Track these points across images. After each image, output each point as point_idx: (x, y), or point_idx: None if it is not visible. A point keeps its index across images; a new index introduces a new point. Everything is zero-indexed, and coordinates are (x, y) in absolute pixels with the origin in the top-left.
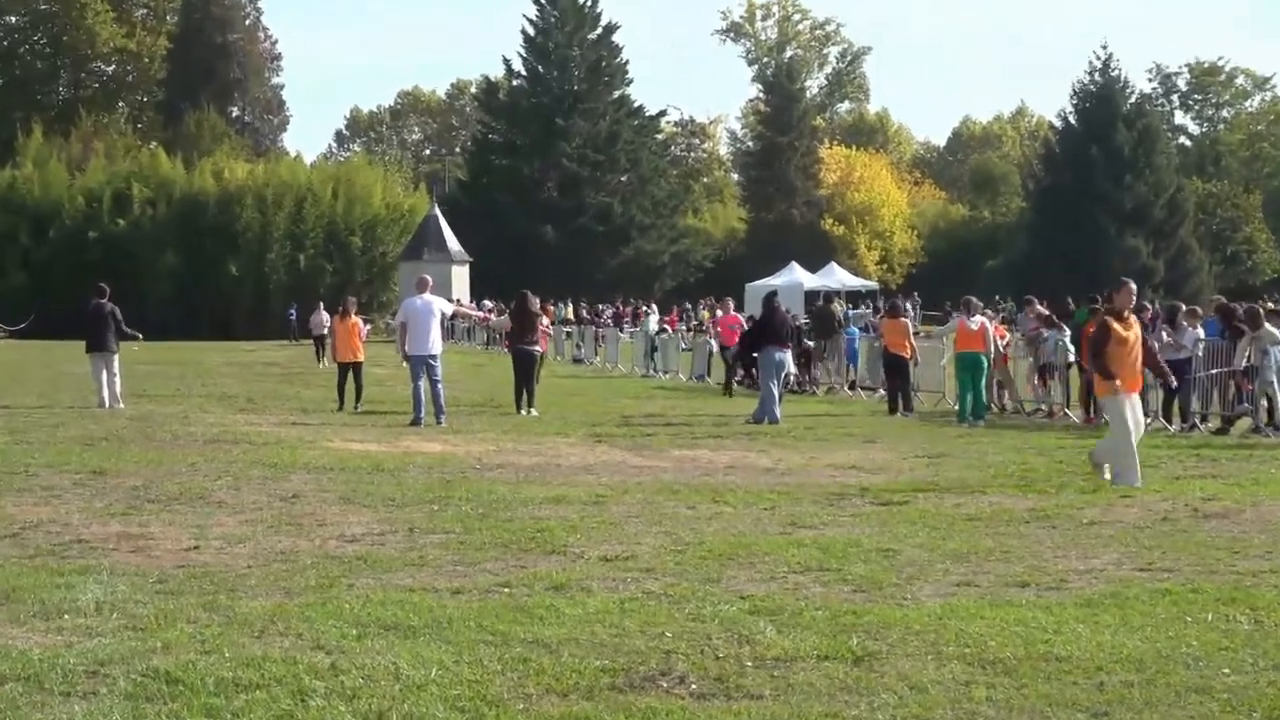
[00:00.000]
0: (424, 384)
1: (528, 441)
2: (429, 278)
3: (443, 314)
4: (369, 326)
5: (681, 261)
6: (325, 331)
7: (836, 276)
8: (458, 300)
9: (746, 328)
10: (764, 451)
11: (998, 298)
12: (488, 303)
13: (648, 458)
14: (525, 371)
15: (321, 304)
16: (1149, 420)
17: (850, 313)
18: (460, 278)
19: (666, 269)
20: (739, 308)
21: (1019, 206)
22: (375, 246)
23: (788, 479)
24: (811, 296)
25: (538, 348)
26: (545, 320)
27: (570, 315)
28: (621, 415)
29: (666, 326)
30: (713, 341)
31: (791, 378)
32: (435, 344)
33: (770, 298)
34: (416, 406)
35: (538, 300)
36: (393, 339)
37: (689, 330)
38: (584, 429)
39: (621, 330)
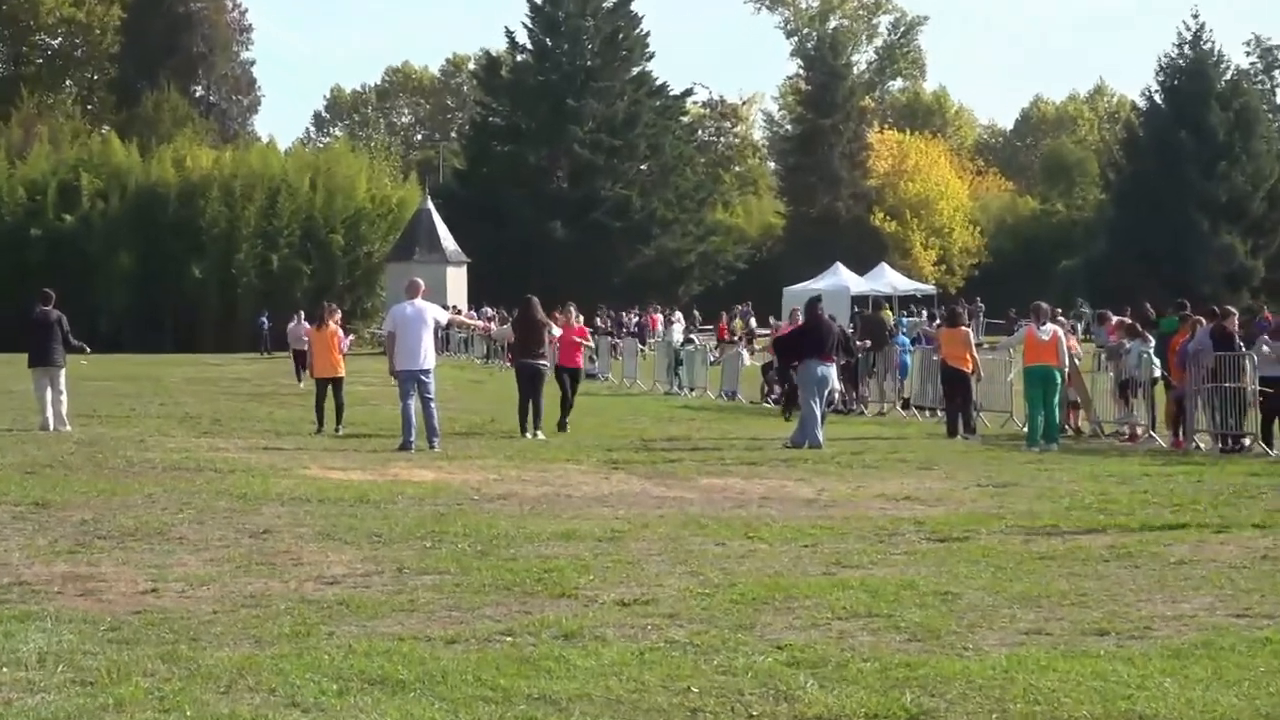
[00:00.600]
0: (414, 403)
1: (534, 469)
2: (421, 281)
3: (436, 323)
4: (351, 337)
5: (710, 262)
6: (306, 345)
7: (887, 279)
8: (454, 307)
9: (783, 335)
10: (804, 480)
11: (1080, 303)
12: (488, 310)
13: (671, 487)
14: (530, 388)
15: (302, 313)
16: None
17: (903, 321)
18: (456, 281)
19: (693, 271)
20: (776, 314)
21: (1097, 199)
22: (359, 245)
23: (832, 511)
24: (859, 302)
25: (544, 362)
26: (556, 330)
27: (580, 322)
28: (641, 438)
29: (693, 338)
30: (744, 354)
31: (836, 396)
32: (428, 357)
33: (813, 304)
34: (406, 429)
35: (576, 308)
36: (378, 351)
37: (738, 340)
38: (598, 454)
39: (643, 342)
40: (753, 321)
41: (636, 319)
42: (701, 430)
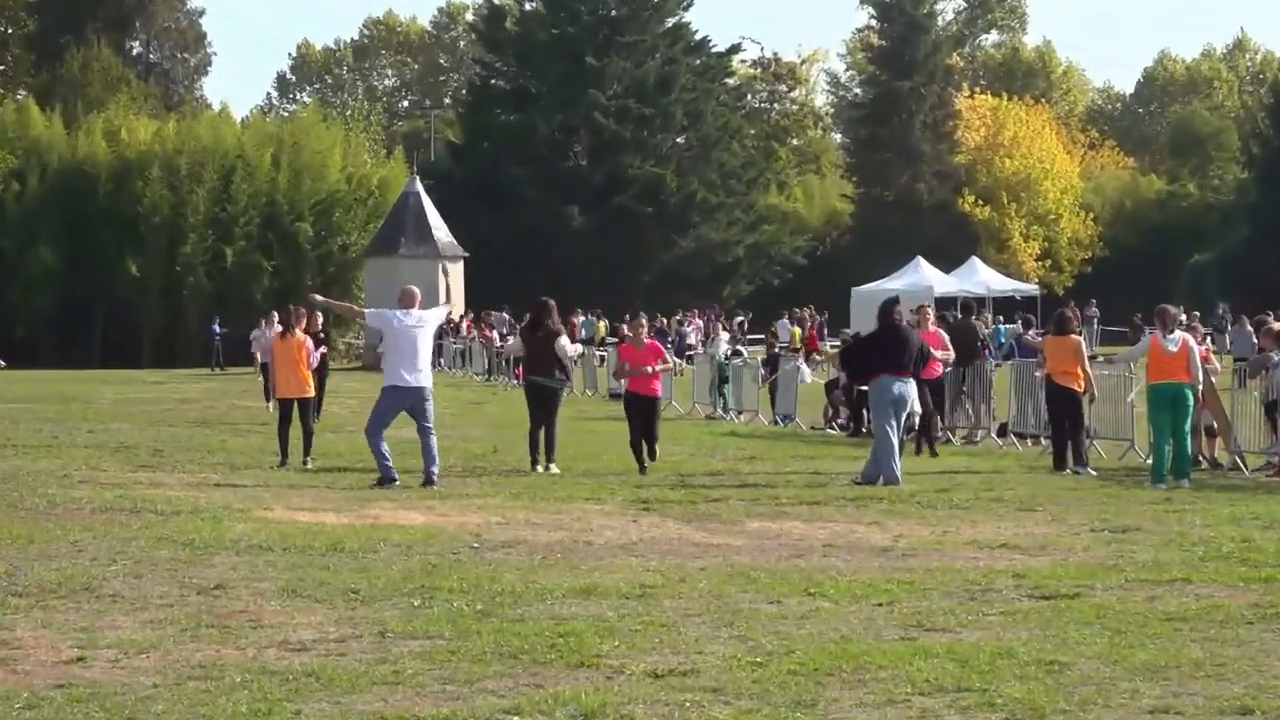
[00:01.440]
0: (386, 436)
1: (546, 510)
2: (417, 291)
3: (439, 333)
4: (323, 350)
5: (762, 256)
6: None
7: (979, 277)
8: (447, 289)
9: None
10: (878, 524)
11: (1222, 309)
12: (505, 315)
13: (714, 533)
14: (542, 412)
15: (276, 315)
16: None
17: (1000, 329)
18: (451, 279)
19: (741, 267)
20: (844, 320)
21: (1236, 178)
22: (332, 236)
23: (911, 562)
24: (945, 306)
25: (559, 379)
26: (570, 348)
27: (601, 332)
28: (677, 473)
29: (740, 350)
30: (805, 368)
31: (916, 419)
32: (424, 372)
33: (889, 307)
34: (382, 459)
35: (645, 318)
36: (354, 366)
37: (789, 351)
38: (625, 492)
39: (680, 353)
40: (811, 326)
41: (687, 324)
42: (751, 463)
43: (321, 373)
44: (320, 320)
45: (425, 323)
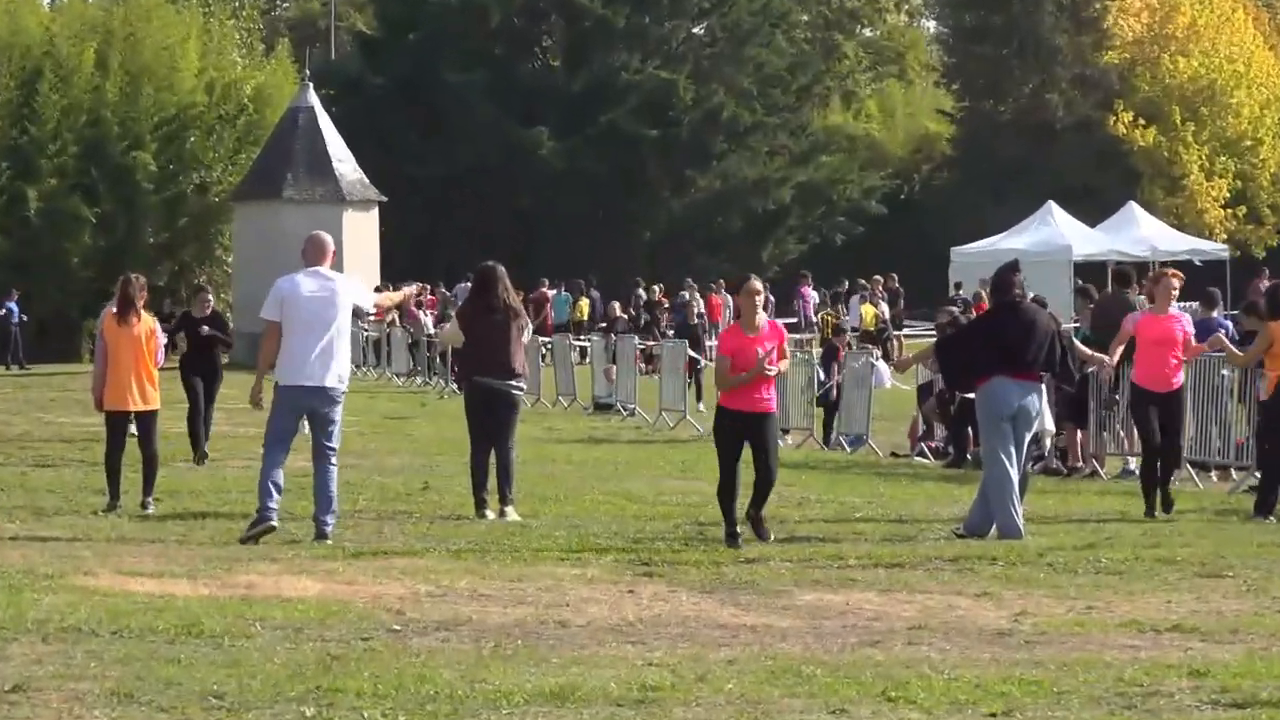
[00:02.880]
0: (283, 459)
1: (501, 574)
2: (328, 240)
3: (358, 311)
4: (205, 330)
5: (818, 200)
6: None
7: (1140, 233)
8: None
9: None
10: (989, 595)
11: None
12: (410, 288)
13: (747, 608)
14: (495, 428)
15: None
16: None
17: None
18: (360, 234)
19: (787, 217)
20: (939, 290)
21: None
22: (185, 171)
23: (1040, 653)
24: (1089, 272)
25: (516, 381)
26: (523, 331)
27: (583, 312)
28: (693, 520)
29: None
30: (882, 368)
31: (1047, 443)
32: (336, 369)
33: (1006, 277)
34: (264, 492)
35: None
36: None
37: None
38: (616, 549)
39: (697, 346)
40: (886, 308)
41: (705, 300)
42: (803, 506)
43: (205, 370)
44: (209, 300)
45: (338, 295)
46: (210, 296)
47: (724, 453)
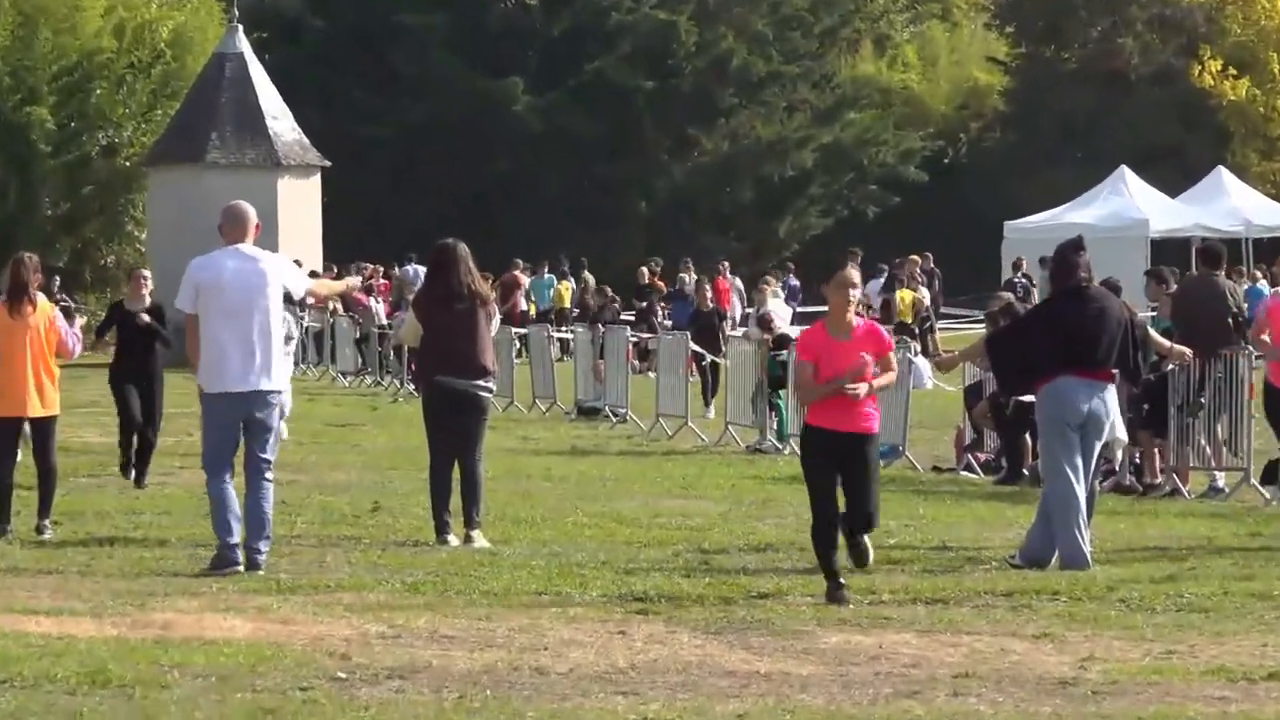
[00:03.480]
0: (230, 477)
1: (467, 612)
2: (250, 211)
3: (289, 298)
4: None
5: (845, 165)
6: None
7: (1230, 203)
8: (296, 262)
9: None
10: (1050, 637)
11: None
12: (353, 279)
13: (761, 652)
14: (457, 437)
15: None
16: None
17: (1259, 289)
18: (299, 205)
19: (809, 184)
20: (992, 274)
21: None
22: (90, 130)
23: (1110, 705)
24: (1168, 251)
25: (482, 382)
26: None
27: (564, 298)
28: (696, 547)
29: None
30: (922, 365)
31: (1119, 455)
32: (270, 368)
33: (1069, 257)
34: (222, 524)
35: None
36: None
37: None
38: (603, 581)
39: (704, 339)
40: (924, 294)
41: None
42: None
43: (141, 376)
44: (146, 285)
45: (267, 278)
46: (149, 281)
47: (815, 482)
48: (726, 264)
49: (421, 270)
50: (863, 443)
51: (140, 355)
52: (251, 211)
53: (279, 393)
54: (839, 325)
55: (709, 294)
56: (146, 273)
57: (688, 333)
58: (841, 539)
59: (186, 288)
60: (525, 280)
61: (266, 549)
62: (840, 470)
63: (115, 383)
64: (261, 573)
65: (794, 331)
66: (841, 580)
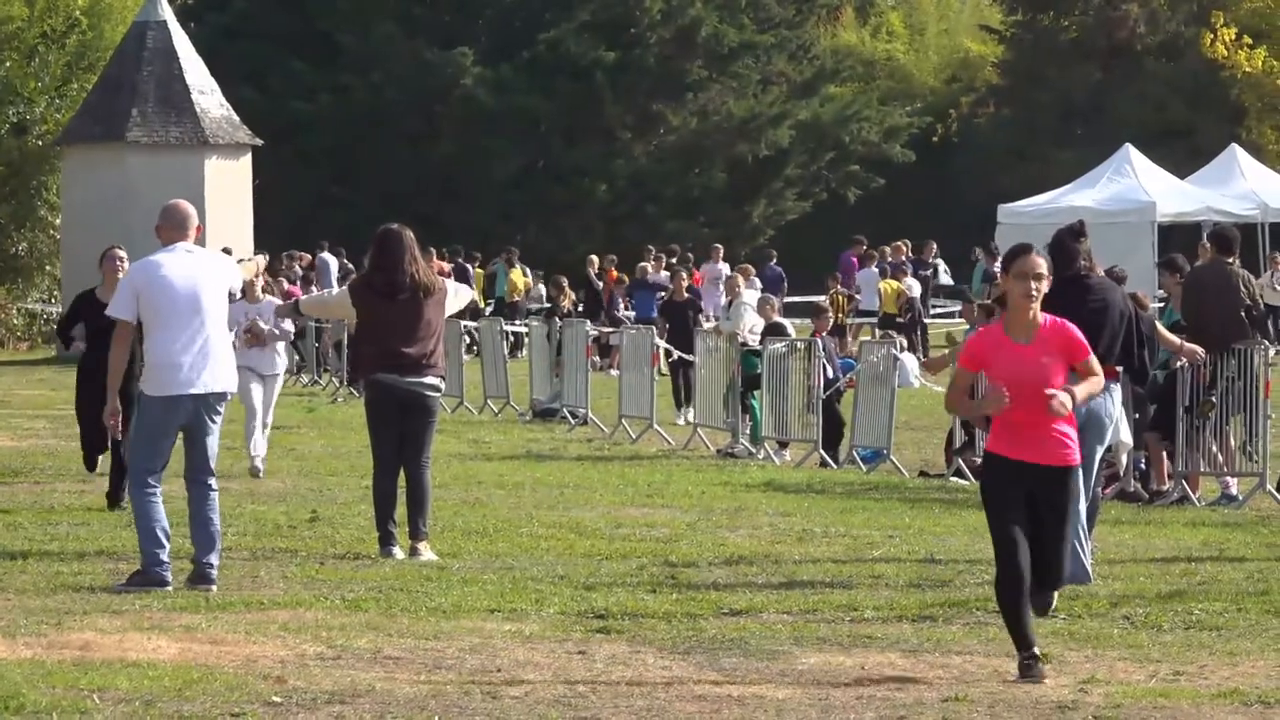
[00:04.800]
0: (155, 491)
1: (414, 630)
2: (190, 210)
3: (231, 297)
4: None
5: (825, 143)
6: None
7: (1244, 185)
8: (225, 250)
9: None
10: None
11: None
12: (257, 256)
13: (731, 673)
14: (405, 438)
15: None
16: None
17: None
18: (228, 186)
19: (786, 164)
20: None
21: None
22: (1, 106)
23: None
24: (1179, 238)
25: (431, 379)
26: (458, 295)
27: (517, 288)
28: (662, 559)
29: (782, 324)
30: (908, 361)
31: (1124, 460)
32: (220, 370)
33: (1068, 243)
34: (149, 536)
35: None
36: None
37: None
38: (562, 597)
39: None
40: (913, 286)
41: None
42: (805, 542)
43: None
44: (123, 269)
45: (209, 278)
46: (126, 264)
47: (999, 523)
48: (690, 256)
49: (333, 261)
50: (1062, 477)
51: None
52: (193, 211)
53: (226, 397)
54: (1019, 325)
55: (685, 282)
56: (122, 253)
57: (653, 328)
58: None
59: (124, 294)
60: (470, 270)
61: (218, 562)
62: (1028, 511)
63: (85, 392)
64: (214, 589)
65: (780, 321)
66: (1036, 652)
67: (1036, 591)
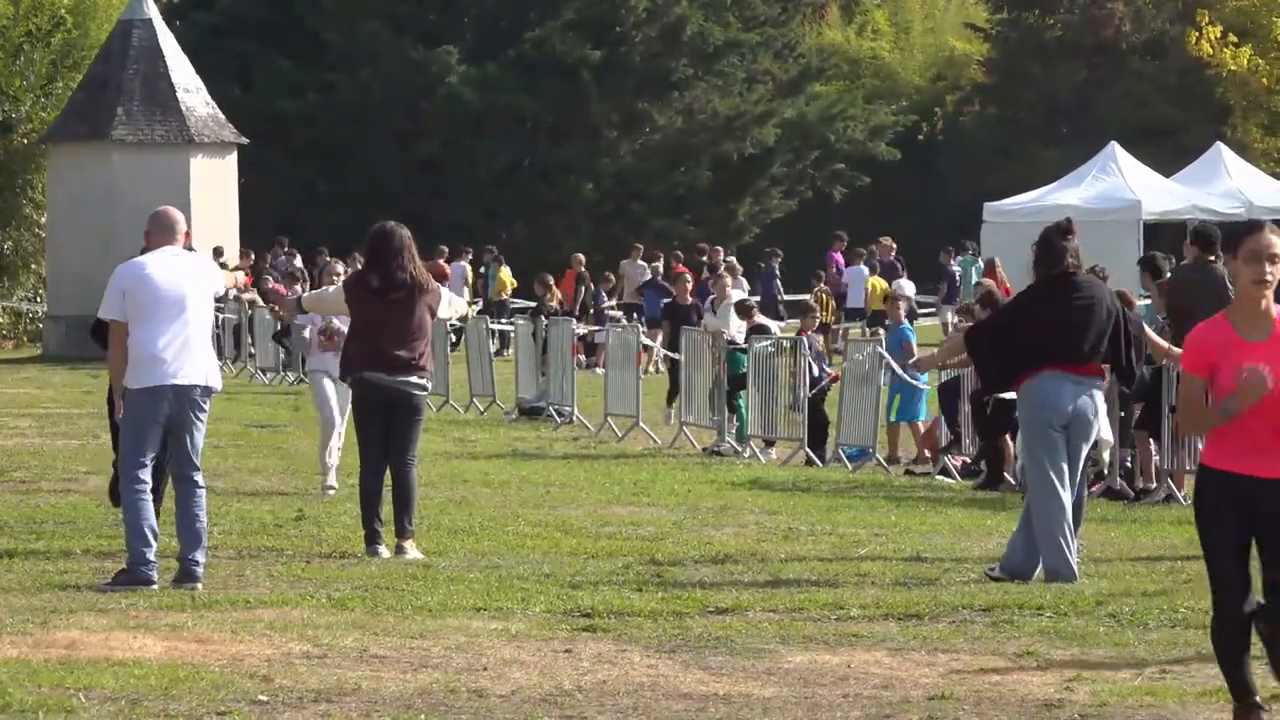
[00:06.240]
0: (144, 487)
1: (399, 630)
2: (179, 217)
3: (216, 297)
4: None
5: (810, 143)
6: None
7: (1230, 184)
8: (217, 249)
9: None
10: (1033, 655)
11: None
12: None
13: (717, 672)
14: (391, 439)
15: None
16: None
17: None
18: (214, 185)
19: (771, 163)
20: (983, 269)
21: None
22: None
23: None
24: (1164, 236)
25: (417, 377)
26: (456, 303)
27: (504, 287)
28: (647, 558)
29: (765, 325)
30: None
31: (1106, 455)
32: (202, 365)
33: (1055, 241)
34: (138, 534)
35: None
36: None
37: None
38: (548, 596)
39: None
40: (907, 286)
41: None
42: (791, 540)
43: None
44: None
45: (195, 280)
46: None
47: (1217, 553)
48: (722, 249)
49: (297, 259)
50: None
51: None
52: (180, 217)
53: (210, 392)
54: (1251, 317)
55: (689, 285)
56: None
57: (639, 327)
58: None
59: (113, 295)
60: (449, 269)
61: (204, 560)
62: (1257, 535)
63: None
64: (200, 587)
65: (775, 326)
66: (1258, 701)
67: (1269, 628)
